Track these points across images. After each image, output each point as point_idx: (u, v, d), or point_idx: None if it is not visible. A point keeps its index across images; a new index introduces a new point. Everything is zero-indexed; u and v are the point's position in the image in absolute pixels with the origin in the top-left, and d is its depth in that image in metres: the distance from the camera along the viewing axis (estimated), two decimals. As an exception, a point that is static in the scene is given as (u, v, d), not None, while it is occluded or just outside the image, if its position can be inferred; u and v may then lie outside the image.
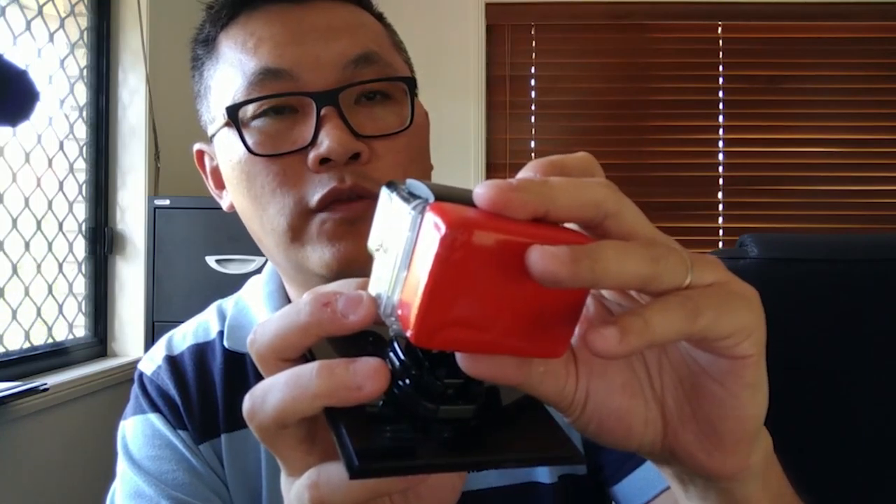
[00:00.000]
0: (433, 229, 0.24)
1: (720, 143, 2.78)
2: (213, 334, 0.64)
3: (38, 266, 1.79)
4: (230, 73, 0.55)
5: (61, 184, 1.88)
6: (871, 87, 2.73)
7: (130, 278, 2.03)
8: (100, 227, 2.02)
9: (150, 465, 0.59)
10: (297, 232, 0.53)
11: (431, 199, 0.26)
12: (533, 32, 2.79)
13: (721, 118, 2.78)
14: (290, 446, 0.31)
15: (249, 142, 0.53)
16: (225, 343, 0.62)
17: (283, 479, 0.33)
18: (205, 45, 0.58)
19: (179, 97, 2.20)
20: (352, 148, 0.51)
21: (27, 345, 1.76)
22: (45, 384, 1.56)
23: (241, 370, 0.61)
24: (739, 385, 0.30)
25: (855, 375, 0.95)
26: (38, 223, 1.79)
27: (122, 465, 0.61)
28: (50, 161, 1.83)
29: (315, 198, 0.52)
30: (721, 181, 2.77)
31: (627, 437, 0.32)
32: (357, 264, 0.51)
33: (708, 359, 0.30)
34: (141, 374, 0.65)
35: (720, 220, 2.77)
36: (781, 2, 2.74)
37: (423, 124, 0.60)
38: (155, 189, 2.05)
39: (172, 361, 0.63)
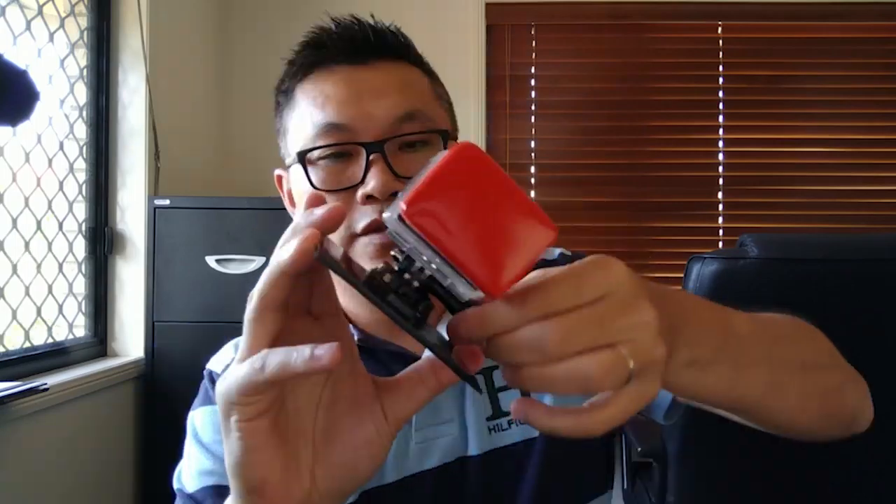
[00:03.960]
0: (452, 149, 0.33)
1: (720, 143, 2.78)
2: None
3: (38, 266, 1.79)
4: (303, 120, 0.68)
5: (61, 184, 1.88)
6: (871, 87, 2.73)
7: (130, 278, 2.03)
8: (100, 227, 2.02)
9: (217, 448, 0.66)
10: (345, 252, 0.63)
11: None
12: (533, 32, 2.79)
13: (721, 118, 2.78)
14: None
15: (313, 179, 0.66)
16: None
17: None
18: (284, 94, 0.72)
19: (179, 97, 2.21)
20: (391, 187, 0.63)
21: (27, 345, 1.76)
22: (45, 384, 1.56)
23: None
24: None
25: (855, 375, 0.95)
26: (38, 223, 1.79)
27: (192, 449, 0.68)
28: (50, 161, 1.83)
29: (360, 225, 0.64)
30: (721, 181, 2.77)
31: None
32: None
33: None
34: (210, 372, 0.74)
35: (720, 220, 2.77)
36: (781, 2, 2.74)
37: None
38: (155, 189, 2.06)
39: None
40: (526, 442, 0.69)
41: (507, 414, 0.69)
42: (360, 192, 0.64)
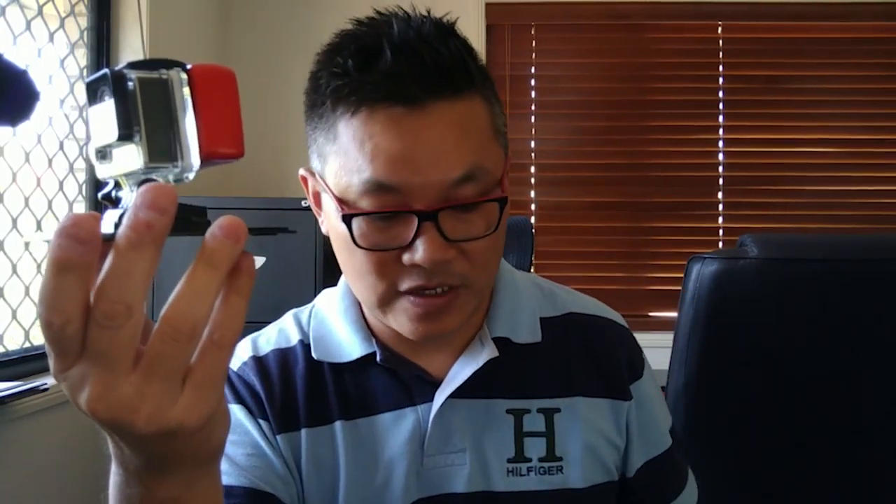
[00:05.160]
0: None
1: (720, 143, 2.78)
2: (294, 341, 0.73)
3: (39, 266, 1.79)
4: (347, 165, 0.60)
5: (61, 184, 1.88)
6: (871, 87, 2.73)
7: (130, 278, 2.03)
8: (100, 227, 2.02)
9: (227, 447, 0.67)
10: (384, 304, 0.64)
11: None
12: (533, 32, 2.79)
13: (721, 118, 2.78)
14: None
15: (358, 230, 0.61)
16: (313, 354, 0.71)
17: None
18: (322, 118, 0.63)
19: (179, 97, 2.20)
20: (442, 256, 0.59)
21: (27, 345, 1.76)
22: (45, 384, 1.56)
23: (320, 375, 0.70)
24: None
25: (854, 374, 0.95)
26: (38, 223, 1.79)
27: None
28: (50, 161, 1.83)
29: (404, 286, 0.62)
30: (721, 181, 2.77)
31: None
32: (434, 337, 0.64)
33: None
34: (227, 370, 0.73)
35: (720, 220, 2.77)
36: (781, 2, 2.74)
37: (505, 221, 0.67)
38: (155, 189, 2.05)
39: (258, 360, 0.72)
40: (560, 492, 0.69)
41: (529, 460, 0.70)
42: (406, 257, 0.60)
